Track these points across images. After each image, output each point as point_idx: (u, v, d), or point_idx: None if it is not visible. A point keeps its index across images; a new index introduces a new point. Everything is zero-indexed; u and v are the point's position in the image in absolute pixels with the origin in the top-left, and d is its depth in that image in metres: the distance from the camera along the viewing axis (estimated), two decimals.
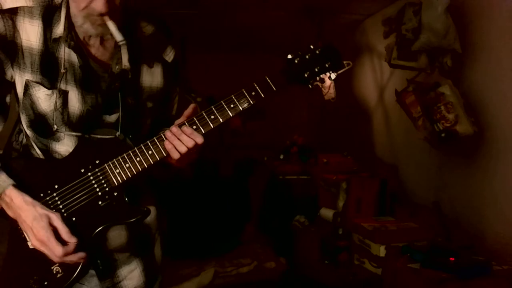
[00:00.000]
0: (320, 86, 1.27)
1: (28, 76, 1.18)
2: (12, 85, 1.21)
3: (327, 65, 1.22)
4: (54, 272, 1.17)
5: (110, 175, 1.19)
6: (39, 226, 1.11)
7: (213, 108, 1.18)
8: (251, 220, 4.03)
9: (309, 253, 3.25)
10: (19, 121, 1.28)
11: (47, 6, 1.17)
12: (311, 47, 1.22)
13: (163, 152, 1.19)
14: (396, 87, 2.97)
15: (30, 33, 1.16)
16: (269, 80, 1.19)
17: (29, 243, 1.17)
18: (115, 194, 1.20)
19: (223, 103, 1.18)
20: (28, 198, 1.14)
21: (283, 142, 4.82)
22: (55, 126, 1.20)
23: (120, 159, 1.19)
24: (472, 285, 2.10)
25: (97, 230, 1.19)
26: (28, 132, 1.24)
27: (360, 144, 4.36)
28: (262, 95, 1.18)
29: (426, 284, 2.16)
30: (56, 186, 1.20)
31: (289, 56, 1.21)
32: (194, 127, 1.18)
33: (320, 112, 5.35)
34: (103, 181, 1.20)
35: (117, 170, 1.19)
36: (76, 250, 1.13)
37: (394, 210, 3.26)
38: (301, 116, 5.87)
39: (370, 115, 4.23)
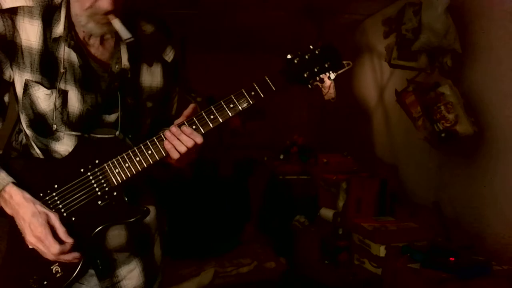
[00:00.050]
0: (320, 86, 1.27)
1: (27, 75, 1.17)
2: (10, 84, 1.21)
3: (326, 65, 1.21)
4: (54, 271, 1.17)
5: (109, 175, 1.19)
6: (38, 222, 1.11)
7: (213, 108, 1.18)
8: (251, 220, 4.02)
9: (309, 253, 3.25)
10: (18, 120, 1.28)
11: (47, 6, 1.17)
12: (311, 47, 1.22)
13: (163, 152, 1.19)
14: (396, 87, 2.97)
15: (30, 33, 1.16)
16: (268, 80, 1.19)
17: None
18: (115, 193, 1.20)
19: (222, 103, 1.18)
20: (28, 195, 1.15)
21: (283, 142, 4.81)
22: (55, 126, 1.20)
23: (120, 159, 1.19)
24: (472, 285, 2.11)
25: (96, 230, 1.19)
26: (28, 131, 1.24)
27: (360, 144, 4.36)
28: (262, 95, 1.18)
29: (426, 284, 2.16)
30: (56, 186, 1.20)
31: (289, 56, 1.21)
32: (194, 127, 1.18)
33: (320, 112, 5.35)
34: (102, 181, 1.20)
35: (117, 170, 1.19)
36: (72, 250, 1.13)
37: (394, 210, 3.26)
38: (301, 116, 5.86)
39: (370, 115, 4.23)
